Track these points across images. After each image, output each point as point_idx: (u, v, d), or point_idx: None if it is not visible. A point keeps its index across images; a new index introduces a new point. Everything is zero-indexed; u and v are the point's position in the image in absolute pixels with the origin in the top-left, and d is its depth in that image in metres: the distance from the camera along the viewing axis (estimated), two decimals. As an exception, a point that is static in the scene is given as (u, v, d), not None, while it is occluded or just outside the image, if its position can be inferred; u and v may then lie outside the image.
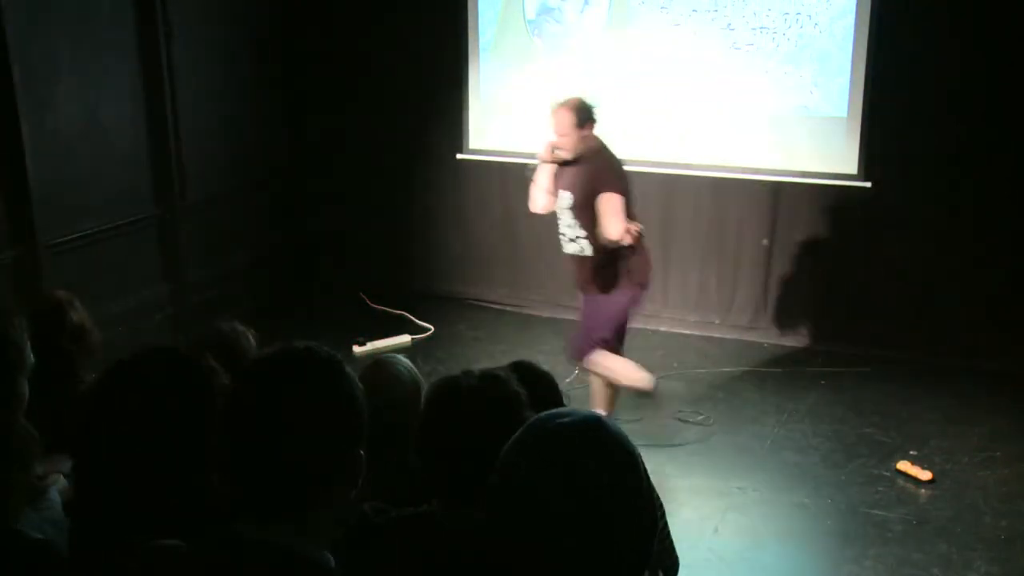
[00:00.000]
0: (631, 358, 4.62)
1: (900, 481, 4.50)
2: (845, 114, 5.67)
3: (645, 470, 1.35)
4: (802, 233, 6.00)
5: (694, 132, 5.98)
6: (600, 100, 4.57)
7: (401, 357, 2.83)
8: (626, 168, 4.51)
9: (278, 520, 1.47)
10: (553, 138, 4.45)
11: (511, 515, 1.31)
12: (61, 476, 2.35)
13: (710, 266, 6.19)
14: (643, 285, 4.59)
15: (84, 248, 5.32)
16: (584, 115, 4.38)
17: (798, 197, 5.91)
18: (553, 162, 4.51)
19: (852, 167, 5.72)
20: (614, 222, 4.28)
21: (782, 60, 5.73)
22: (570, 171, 4.44)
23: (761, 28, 5.74)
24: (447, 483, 1.99)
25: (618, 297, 4.52)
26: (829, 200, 5.84)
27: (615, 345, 4.61)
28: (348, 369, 1.54)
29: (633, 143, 6.09)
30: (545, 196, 4.55)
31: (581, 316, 4.73)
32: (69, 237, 5.22)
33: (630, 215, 4.37)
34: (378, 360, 2.83)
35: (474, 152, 6.57)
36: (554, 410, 1.37)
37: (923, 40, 5.52)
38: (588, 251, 4.45)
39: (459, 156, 6.60)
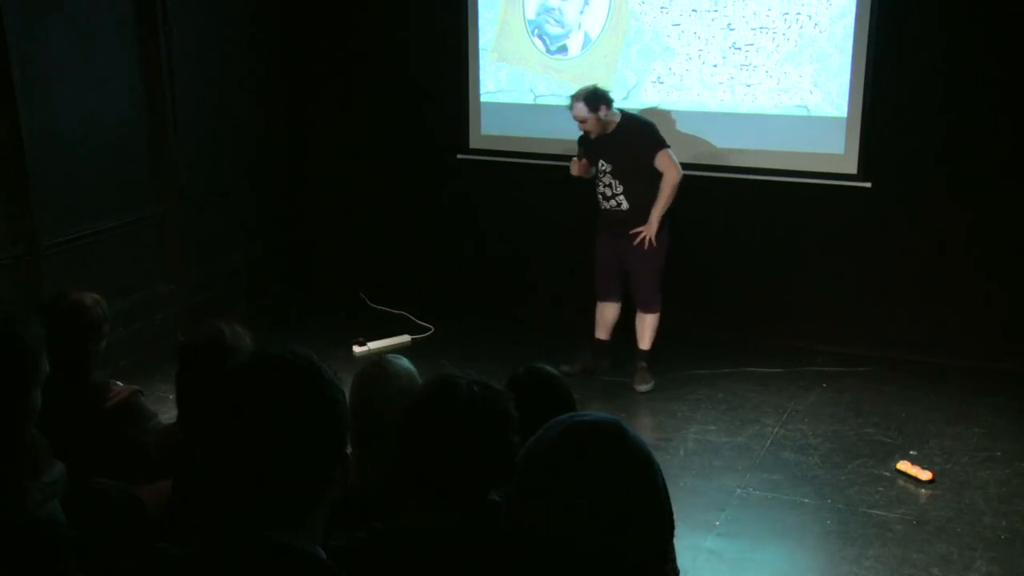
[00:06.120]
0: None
1: (900, 481, 4.50)
2: (845, 114, 5.67)
3: (663, 476, 1.38)
4: (802, 233, 6.00)
5: (693, 132, 5.97)
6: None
7: (402, 358, 2.82)
8: None
9: (268, 523, 1.49)
10: None
11: (529, 506, 1.33)
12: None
13: (709, 266, 6.19)
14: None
15: (84, 248, 5.31)
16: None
17: (798, 197, 5.91)
18: None
19: (852, 167, 5.72)
20: None
21: (782, 60, 5.73)
22: None
23: (761, 28, 5.74)
24: (422, 486, 1.93)
25: None
26: (829, 200, 5.84)
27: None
28: (326, 373, 1.54)
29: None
30: None
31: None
32: (69, 237, 5.22)
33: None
34: (377, 360, 2.82)
35: (475, 152, 6.57)
36: (580, 412, 1.44)
37: (923, 40, 5.52)
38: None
39: (460, 156, 6.60)
